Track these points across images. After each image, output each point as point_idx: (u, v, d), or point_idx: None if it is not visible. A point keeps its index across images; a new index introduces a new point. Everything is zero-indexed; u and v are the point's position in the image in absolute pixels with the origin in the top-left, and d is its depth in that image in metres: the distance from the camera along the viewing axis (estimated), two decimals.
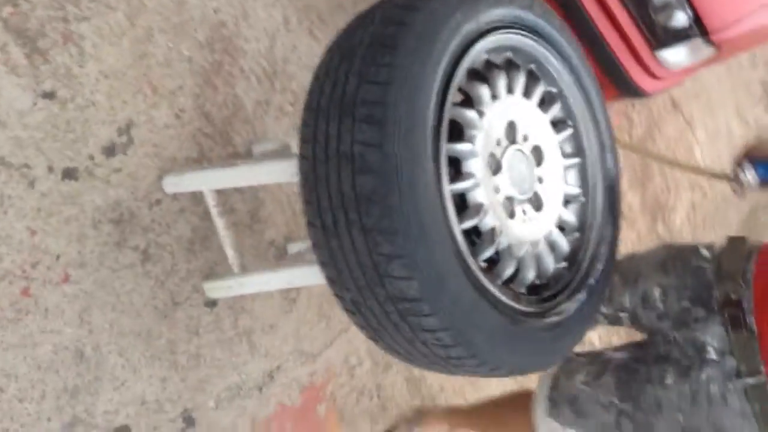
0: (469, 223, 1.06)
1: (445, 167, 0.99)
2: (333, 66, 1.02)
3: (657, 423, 1.52)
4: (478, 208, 1.07)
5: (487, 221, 1.08)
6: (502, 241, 1.10)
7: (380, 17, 1.01)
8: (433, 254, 0.96)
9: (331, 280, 1.06)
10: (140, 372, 1.54)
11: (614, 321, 1.71)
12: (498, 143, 1.14)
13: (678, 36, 2.05)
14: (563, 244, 1.24)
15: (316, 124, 1.01)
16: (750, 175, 1.28)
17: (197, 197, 1.62)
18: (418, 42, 0.97)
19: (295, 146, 1.66)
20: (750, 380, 1.41)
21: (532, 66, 1.22)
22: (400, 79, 0.95)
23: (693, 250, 1.60)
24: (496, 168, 1.13)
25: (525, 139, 1.19)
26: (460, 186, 1.05)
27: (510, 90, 1.16)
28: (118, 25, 1.54)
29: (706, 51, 2.09)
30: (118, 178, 1.52)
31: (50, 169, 1.42)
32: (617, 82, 2.14)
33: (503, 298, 1.07)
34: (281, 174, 1.34)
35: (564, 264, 1.24)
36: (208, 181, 1.47)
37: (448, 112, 1.02)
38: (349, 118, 0.96)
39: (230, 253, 1.54)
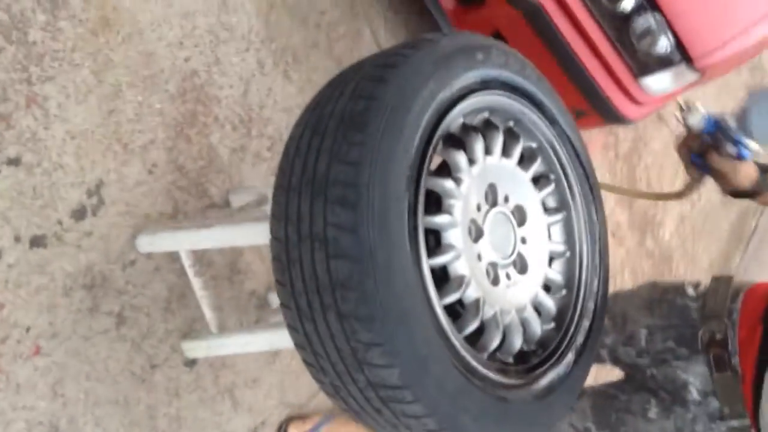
0: (451, 298, 1.01)
1: (423, 245, 0.95)
2: (303, 143, 0.97)
3: None
4: (461, 281, 1.02)
5: (470, 293, 1.04)
6: (487, 312, 1.06)
7: (350, 91, 0.97)
8: (414, 339, 0.91)
9: (309, 364, 1.01)
10: None
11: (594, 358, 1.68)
12: (478, 208, 1.09)
13: (661, 63, 2.02)
14: (550, 305, 1.19)
15: (287, 203, 0.97)
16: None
17: (173, 254, 1.57)
18: (389, 118, 0.93)
19: (271, 194, 1.62)
20: (734, 423, 1.39)
21: (511, 123, 1.18)
22: (372, 159, 0.90)
23: (678, 289, 1.57)
24: (477, 235, 1.08)
25: (506, 200, 1.15)
26: (441, 260, 1.01)
27: (488, 151, 1.12)
28: (84, 82, 1.49)
29: (690, 76, 2.06)
30: (90, 241, 1.47)
31: (17, 239, 1.37)
32: (600, 110, 2.11)
33: (490, 374, 1.02)
34: (258, 236, 1.30)
35: (552, 325, 1.19)
36: (183, 241, 1.43)
37: (425, 184, 0.98)
38: (321, 199, 0.92)
39: (209, 313, 1.49)
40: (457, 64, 1.04)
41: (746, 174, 1.42)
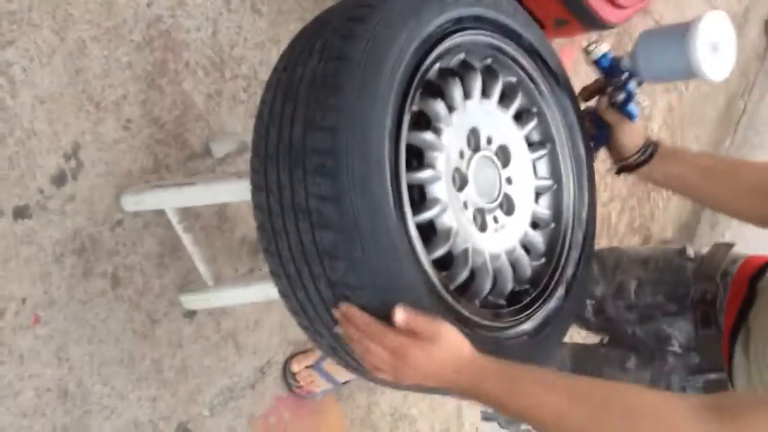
0: (440, 252, 1.01)
1: (407, 204, 0.94)
2: (276, 108, 0.94)
3: None
4: (448, 233, 1.02)
5: (459, 244, 1.04)
6: (477, 260, 1.06)
7: (320, 50, 0.93)
8: (405, 300, 0.92)
9: (305, 328, 1.02)
10: (128, 397, 1.53)
11: None
12: (461, 155, 1.08)
13: None
14: (539, 241, 1.20)
15: (266, 173, 0.95)
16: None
17: (160, 209, 1.56)
18: (362, 78, 0.89)
19: None
20: (712, 376, 1.39)
21: (488, 61, 1.15)
22: (348, 123, 0.88)
23: (679, 251, 1.56)
24: (462, 183, 1.07)
25: (489, 141, 1.13)
26: (427, 216, 1.00)
27: (467, 95, 1.09)
28: (47, 43, 1.43)
29: None
30: (74, 206, 1.45)
31: (0, 213, 1.35)
32: (581, 17, 2.04)
33: (484, 322, 1.04)
34: (243, 192, 1.27)
35: (542, 261, 1.20)
36: (168, 200, 1.41)
37: (405, 141, 0.95)
38: (299, 169, 0.90)
39: (202, 267, 1.50)
40: (428, 9, 0.99)
41: (631, 135, 1.36)
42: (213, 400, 1.69)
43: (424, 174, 1.00)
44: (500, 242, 1.12)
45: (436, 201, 1.01)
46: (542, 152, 1.24)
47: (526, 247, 1.18)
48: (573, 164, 1.26)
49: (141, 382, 1.55)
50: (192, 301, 1.56)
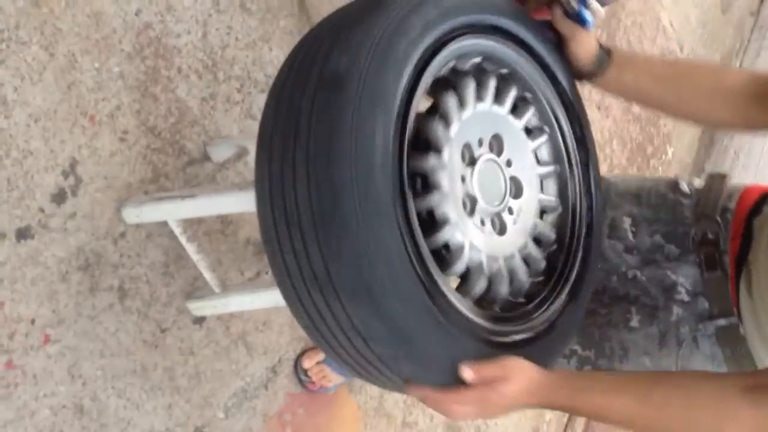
0: (456, 270, 1.02)
1: (419, 235, 0.94)
2: (276, 153, 0.92)
3: (621, 368, 1.46)
4: (460, 252, 1.02)
5: (467, 261, 1.04)
6: (492, 265, 1.07)
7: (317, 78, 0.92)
8: (418, 323, 0.92)
9: (318, 342, 1.03)
10: (143, 407, 1.54)
11: None
12: (467, 160, 1.08)
13: None
14: (548, 231, 1.19)
15: (278, 237, 0.94)
16: None
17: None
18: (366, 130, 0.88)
19: (250, 146, 1.59)
20: (722, 321, 1.36)
21: (504, 71, 1.14)
22: (353, 185, 0.87)
23: (671, 183, 1.50)
24: (471, 204, 1.07)
25: (500, 151, 1.13)
26: (440, 239, 1.00)
27: (480, 98, 1.08)
28: (37, 60, 1.42)
29: None
30: (75, 223, 1.45)
31: (2, 235, 1.35)
32: None
33: (482, 323, 1.04)
34: (245, 204, 1.28)
35: (554, 247, 1.19)
36: (170, 212, 1.41)
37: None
38: (314, 245, 0.89)
39: (208, 275, 1.50)
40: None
41: (584, 44, 1.30)
42: (227, 403, 1.70)
43: (432, 198, 1.00)
44: (513, 240, 1.12)
45: (445, 221, 1.01)
46: (550, 169, 1.24)
47: (538, 239, 1.18)
48: (581, 185, 1.26)
49: (155, 391, 1.56)
50: (200, 308, 1.57)
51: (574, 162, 1.26)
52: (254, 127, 1.79)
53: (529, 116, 1.20)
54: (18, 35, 1.39)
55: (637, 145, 3.53)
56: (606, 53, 1.33)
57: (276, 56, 1.88)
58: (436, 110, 1.05)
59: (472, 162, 1.06)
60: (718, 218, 1.37)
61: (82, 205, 1.47)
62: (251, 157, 1.60)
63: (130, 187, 1.55)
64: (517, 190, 1.15)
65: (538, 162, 1.23)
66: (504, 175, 1.11)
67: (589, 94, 3.09)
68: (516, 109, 1.18)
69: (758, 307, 1.26)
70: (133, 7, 1.58)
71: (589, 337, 1.50)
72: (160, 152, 1.61)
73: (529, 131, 1.21)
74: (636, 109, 3.50)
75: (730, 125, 1.32)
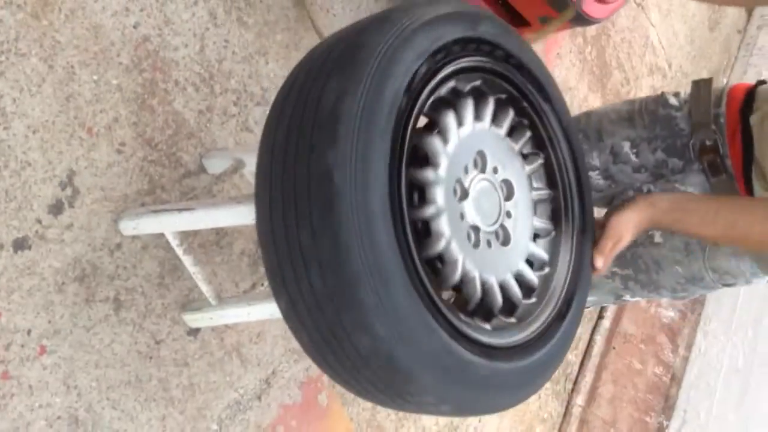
0: (447, 284, 1.03)
1: (411, 234, 0.95)
2: (276, 195, 0.93)
3: (659, 278, 1.59)
4: (455, 268, 1.04)
5: (452, 270, 1.05)
6: (469, 274, 1.08)
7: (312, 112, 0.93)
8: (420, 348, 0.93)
9: (319, 365, 1.03)
10: (138, 418, 1.54)
11: None
12: (461, 188, 1.09)
13: None
14: (532, 278, 1.21)
15: (281, 268, 0.94)
16: None
17: None
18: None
19: (246, 159, 1.61)
20: None
21: (502, 96, 1.16)
22: (353, 230, 0.88)
23: (658, 99, 1.55)
24: (475, 240, 1.09)
25: (495, 171, 1.15)
26: (432, 251, 1.02)
27: (478, 118, 1.10)
28: (36, 72, 1.43)
29: None
30: (72, 234, 1.46)
31: (0, 246, 1.36)
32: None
33: (465, 330, 1.05)
34: (242, 217, 1.29)
35: (533, 300, 1.21)
36: (167, 225, 1.42)
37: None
38: (307, 222, 0.90)
39: (204, 287, 1.51)
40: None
41: None
42: (221, 415, 1.71)
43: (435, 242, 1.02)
44: (495, 266, 1.13)
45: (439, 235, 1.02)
46: (545, 193, 1.26)
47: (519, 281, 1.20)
48: (575, 208, 1.28)
49: (149, 402, 1.56)
50: (195, 319, 1.58)
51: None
52: (250, 139, 1.81)
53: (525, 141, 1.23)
54: (17, 47, 1.41)
55: None
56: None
57: (272, 69, 1.90)
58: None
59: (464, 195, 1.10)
60: (713, 125, 1.43)
61: (79, 217, 1.47)
62: (247, 170, 1.62)
63: (126, 198, 1.55)
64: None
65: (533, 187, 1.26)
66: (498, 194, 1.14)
67: (579, 108, 3.13)
68: (513, 132, 1.21)
69: None
70: (132, 21, 1.60)
71: (623, 259, 1.62)
72: (157, 164, 1.62)
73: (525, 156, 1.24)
74: None
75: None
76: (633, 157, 1.54)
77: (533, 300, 1.19)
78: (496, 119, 1.14)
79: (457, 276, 1.04)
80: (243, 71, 1.83)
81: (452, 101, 1.08)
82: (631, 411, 3.30)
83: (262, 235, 0.93)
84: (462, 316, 1.01)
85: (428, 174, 1.01)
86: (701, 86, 1.50)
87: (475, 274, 1.06)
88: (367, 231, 0.84)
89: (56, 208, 1.44)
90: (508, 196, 1.17)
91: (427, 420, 2.34)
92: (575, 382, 3.14)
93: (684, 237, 1.51)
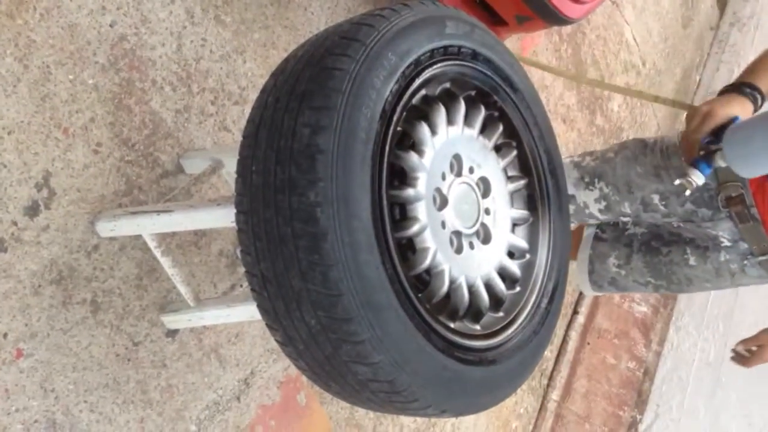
0: (437, 297, 1.04)
1: (391, 241, 0.95)
2: (257, 202, 0.92)
3: (690, 289, 1.79)
4: (442, 280, 1.05)
5: (440, 282, 1.06)
6: (456, 281, 1.09)
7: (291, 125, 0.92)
8: (399, 340, 0.93)
9: (298, 366, 1.04)
10: (116, 421, 1.54)
11: (612, 225, 1.89)
12: (443, 177, 1.10)
13: None
14: (514, 269, 1.22)
15: (258, 262, 0.94)
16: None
17: None
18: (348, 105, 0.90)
19: (225, 159, 1.60)
20: (762, 258, 1.62)
21: (472, 93, 1.17)
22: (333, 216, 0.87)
23: (679, 152, 1.68)
24: (458, 245, 1.10)
25: (471, 171, 1.15)
26: (420, 269, 1.03)
27: (451, 122, 1.11)
28: (10, 72, 1.41)
29: None
30: (48, 236, 1.44)
31: None
32: (542, 14, 2.07)
33: (458, 340, 1.06)
34: (221, 220, 1.29)
35: (517, 289, 1.23)
36: (145, 227, 1.41)
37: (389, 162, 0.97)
38: (294, 263, 0.90)
39: (183, 289, 1.50)
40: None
41: None
42: (200, 416, 1.70)
43: (412, 231, 1.03)
44: (476, 266, 1.14)
45: (425, 251, 1.03)
46: (520, 183, 1.27)
47: (502, 275, 1.21)
48: (551, 195, 1.29)
49: (127, 404, 1.56)
50: (174, 321, 1.57)
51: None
52: (228, 139, 1.80)
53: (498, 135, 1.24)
54: None
55: None
56: None
57: (250, 68, 1.89)
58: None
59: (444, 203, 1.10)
60: (738, 181, 1.58)
61: (55, 218, 1.46)
62: (226, 171, 1.61)
63: (103, 199, 1.54)
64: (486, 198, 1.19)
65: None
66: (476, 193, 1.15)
67: (555, 107, 3.16)
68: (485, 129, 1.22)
69: None
70: (108, 19, 1.58)
71: (658, 272, 1.79)
72: (134, 165, 1.61)
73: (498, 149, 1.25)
74: (600, 121, 3.58)
75: None
76: (663, 208, 1.71)
77: (517, 290, 1.21)
78: (468, 119, 1.15)
79: (445, 287, 1.05)
80: (221, 70, 1.82)
81: (424, 109, 1.09)
82: (605, 405, 3.35)
83: (250, 275, 0.93)
84: (453, 326, 1.02)
85: (409, 193, 1.02)
86: None
87: (462, 280, 1.07)
88: (355, 267, 0.85)
89: (32, 210, 1.42)
90: (486, 193, 1.19)
91: (406, 418, 2.35)
92: (550, 378, 3.17)
93: (714, 263, 1.70)
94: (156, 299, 1.62)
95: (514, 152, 1.26)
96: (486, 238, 1.15)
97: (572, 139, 3.33)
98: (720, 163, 1.42)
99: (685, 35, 4.61)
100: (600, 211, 1.80)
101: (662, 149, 1.73)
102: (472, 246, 1.12)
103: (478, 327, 1.11)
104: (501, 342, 1.12)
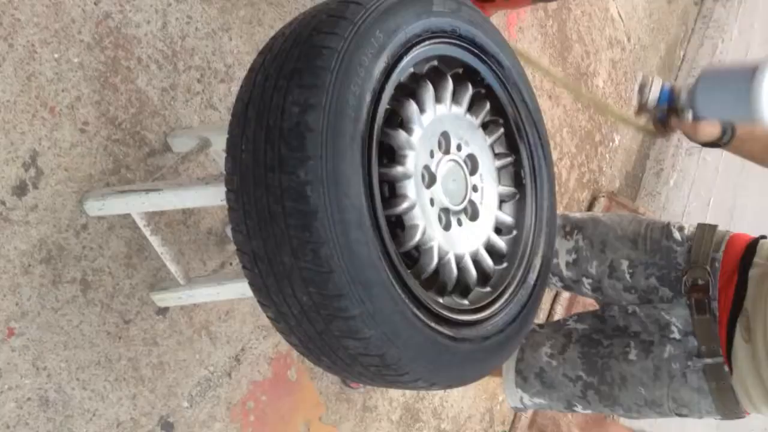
0: (426, 273, 1.06)
1: (384, 223, 0.96)
2: (247, 180, 0.93)
3: (620, 395, 1.62)
4: (431, 256, 1.06)
5: (429, 259, 1.08)
6: (444, 257, 1.11)
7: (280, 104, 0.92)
8: (389, 317, 0.95)
9: (289, 342, 1.05)
10: (108, 397, 1.55)
11: (571, 285, 1.77)
12: (431, 155, 1.11)
13: None
14: (501, 245, 1.24)
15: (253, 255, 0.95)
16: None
17: None
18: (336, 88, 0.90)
19: (212, 137, 1.60)
20: (709, 360, 1.51)
21: (459, 70, 1.17)
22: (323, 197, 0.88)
23: (664, 230, 1.65)
24: (446, 222, 1.11)
25: (459, 148, 1.16)
26: (409, 246, 1.04)
27: (438, 100, 1.12)
28: None
29: None
30: (37, 215, 1.45)
31: None
32: None
33: (447, 314, 1.08)
34: (210, 198, 1.30)
35: (504, 264, 1.25)
36: (134, 206, 1.41)
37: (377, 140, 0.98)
38: (285, 241, 0.90)
39: (173, 267, 1.51)
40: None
41: (706, 132, 1.50)
42: (191, 392, 1.72)
43: (401, 210, 1.04)
44: (465, 242, 1.16)
45: (414, 228, 1.04)
46: (507, 161, 1.28)
47: (489, 251, 1.22)
48: (538, 171, 1.31)
49: (119, 382, 1.57)
50: (164, 299, 1.58)
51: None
52: (215, 117, 1.80)
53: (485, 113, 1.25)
54: None
55: (586, 133, 3.63)
56: (731, 130, 1.51)
57: (236, 46, 1.88)
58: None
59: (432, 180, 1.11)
60: (708, 267, 1.53)
61: (43, 198, 1.46)
62: (213, 149, 1.61)
63: (91, 178, 1.54)
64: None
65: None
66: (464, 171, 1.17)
67: (540, 83, 3.17)
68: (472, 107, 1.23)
69: (759, 354, 1.42)
70: None
71: (593, 365, 1.65)
72: (121, 143, 1.61)
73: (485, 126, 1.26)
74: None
75: None
76: (627, 277, 1.64)
77: (505, 265, 1.22)
78: (455, 97, 1.16)
79: (434, 264, 1.06)
80: (206, 48, 1.81)
81: (412, 88, 1.09)
82: None
83: (242, 253, 0.94)
84: (442, 301, 1.04)
85: (398, 170, 1.03)
86: (706, 230, 1.61)
87: (450, 256, 1.09)
88: (346, 245, 0.86)
89: (20, 190, 1.42)
90: (473, 170, 1.20)
91: (395, 391, 2.38)
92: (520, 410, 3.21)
93: (656, 360, 1.58)
94: (146, 278, 1.63)
95: (501, 129, 1.27)
96: (474, 215, 1.17)
97: (558, 115, 3.35)
98: (682, 96, 1.42)
99: (669, 10, 4.62)
100: (567, 264, 1.72)
101: (653, 227, 1.69)
102: (460, 223, 1.14)
103: (466, 302, 1.13)
104: (489, 316, 1.14)
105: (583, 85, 3.57)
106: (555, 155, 3.33)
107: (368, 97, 0.94)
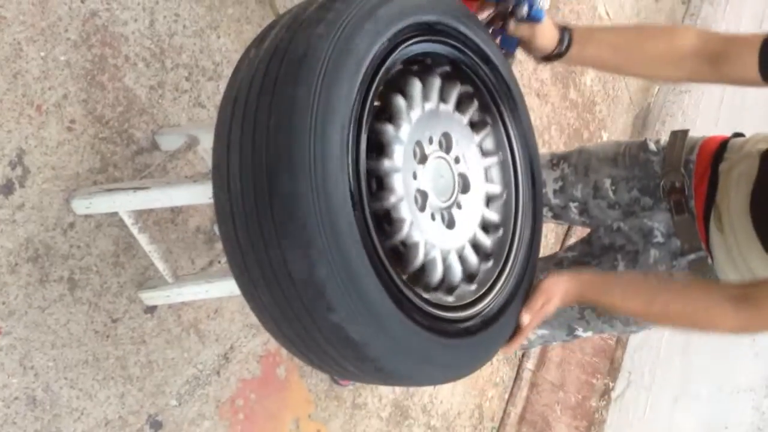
0: (411, 268, 1.07)
1: (370, 218, 0.96)
2: (234, 196, 0.92)
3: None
4: (416, 252, 1.07)
5: (415, 254, 1.08)
6: (430, 256, 1.11)
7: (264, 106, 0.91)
8: (378, 318, 0.95)
9: (302, 361, 1.05)
10: (96, 396, 1.55)
11: (560, 213, 1.82)
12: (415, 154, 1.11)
13: None
14: (488, 243, 1.25)
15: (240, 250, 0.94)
16: None
17: None
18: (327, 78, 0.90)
19: (200, 136, 1.60)
20: (692, 256, 1.58)
21: (447, 68, 1.18)
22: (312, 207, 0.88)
23: (641, 145, 1.70)
24: (422, 204, 1.11)
25: (447, 145, 1.17)
26: (397, 239, 1.04)
27: (426, 98, 1.12)
28: None
29: None
30: (24, 214, 1.44)
31: None
32: None
33: (432, 311, 1.08)
34: (197, 196, 1.29)
35: (490, 263, 1.25)
36: (121, 204, 1.41)
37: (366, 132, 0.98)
38: (274, 246, 0.90)
39: (161, 265, 1.51)
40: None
41: (546, 36, 1.44)
42: (180, 390, 1.72)
43: (388, 204, 1.04)
44: (450, 239, 1.16)
45: (400, 221, 1.05)
46: (494, 159, 1.29)
47: (475, 247, 1.23)
48: (523, 167, 1.32)
49: (107, 380, 1.57)
50: (152, 297, 1.58)
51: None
52: (203, 115, 1.80)
53: (473, 111, 1.25)
54: None
55: (574, 130, 3.64)
56: (568, 34, 1.47)
57: (224, 44, 1.88)
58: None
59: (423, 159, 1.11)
60: (683, 169, 1.58)
61: (30, 196, 1.45)
62: (201, 147, 1.61)
63: (78, 177, 1.54)
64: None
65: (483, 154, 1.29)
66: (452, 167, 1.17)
67: (528, 81, 3.17)
68: (460, 105, 1.23)
69: (729, 241, 1.48)
70: None
71: None
72: (109, 142, 1.60)
73: (473, 125, 1.26)
74: (573, 95, 3.61)
75: (677, 80, 1.52)
76: (611, 194, 1.69)
77: (491, 262, 1.23)
78: (443, 94, 1.16)
79: (419, 260, 1.07)
80: (194, 46, 1.81)
81: (400, 83, 1.10)
82: (579, 374, 3.42)
83: (229, 253, 0.94)
84: (428, 297, 1.04)
85: (386, 165, 1.03)
86: (678, 135, 1.65)
87: (436, 252, 1.09)
88: (336, 247, 0.86)
89: (7, 189, 1.42)
90: (461, 168, 1.20)
91: (385, 388, 2.39)
92: (526, 348, 3.23)
93: (643, 266, 1.63)
94: (134, 276, 1.62)
95: (489, 127, 1.27)
96: (461, 212, 1.17)
97: (546, 113, 3.36)
98: (511, 25, 1.40)
99: (657, 9, 4.64)
100: (554, 192, 1.77)
101: (630, 145, 1.73)
102: (446, 219, 1.14)
103: (452, 299, 1.13)
104: (475, 313, 1.14)
105: (571, 83, 3.58)
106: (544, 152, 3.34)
107: (356, 100, 0.94)
